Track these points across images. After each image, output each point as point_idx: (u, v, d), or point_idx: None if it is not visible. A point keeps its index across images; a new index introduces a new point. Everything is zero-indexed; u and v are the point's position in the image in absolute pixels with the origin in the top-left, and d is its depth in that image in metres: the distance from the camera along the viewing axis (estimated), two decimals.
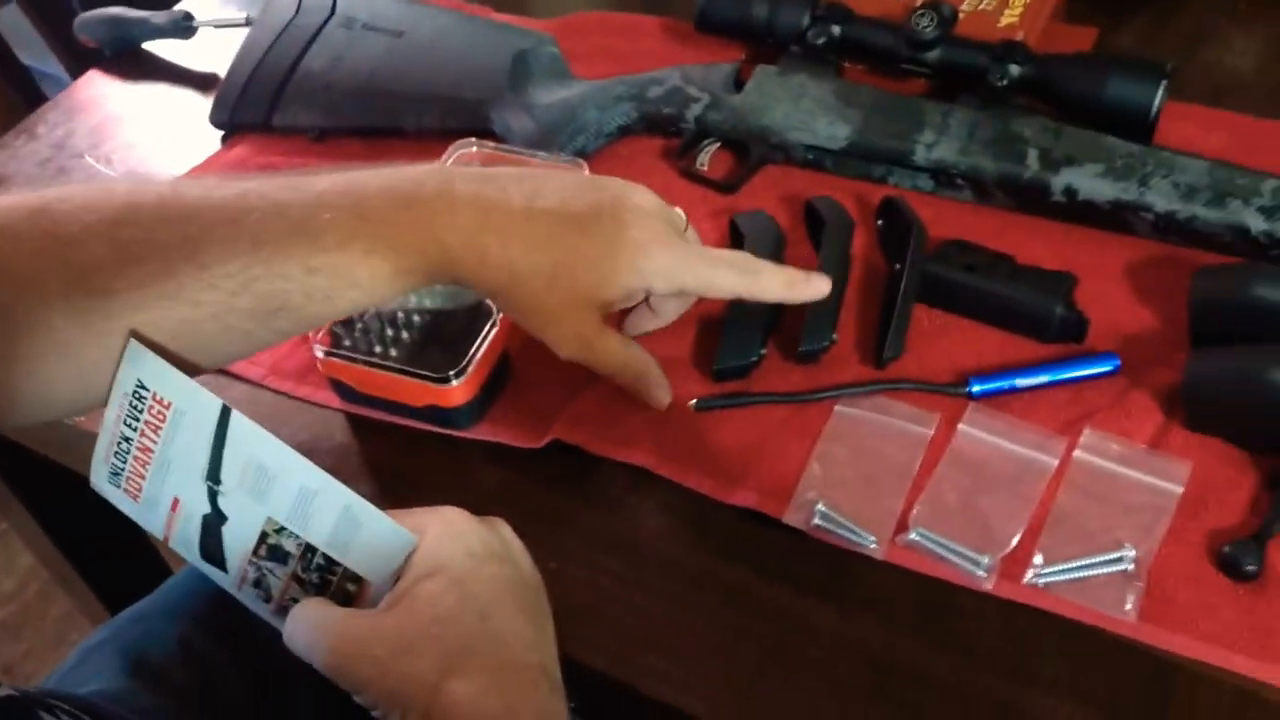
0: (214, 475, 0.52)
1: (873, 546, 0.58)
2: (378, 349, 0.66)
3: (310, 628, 0.49)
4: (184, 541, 0.54)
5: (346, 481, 0.68)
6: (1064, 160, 0.69)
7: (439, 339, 0.67)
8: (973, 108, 0.72)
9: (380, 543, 0.51)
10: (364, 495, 0.67)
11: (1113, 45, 0.83)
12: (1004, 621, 0.56)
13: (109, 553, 1.15)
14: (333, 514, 0.51)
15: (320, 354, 0.66)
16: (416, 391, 0.65)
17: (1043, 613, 0.56)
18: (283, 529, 0.52)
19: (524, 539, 0.54)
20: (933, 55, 0.75)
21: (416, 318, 0.68)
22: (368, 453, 0.68)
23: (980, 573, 0.57)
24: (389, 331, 0.67)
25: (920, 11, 0.74)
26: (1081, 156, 0.69)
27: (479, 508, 0.55)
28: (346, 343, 0.66)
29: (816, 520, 0.60)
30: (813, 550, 0.59)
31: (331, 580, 0.52)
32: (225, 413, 0.51)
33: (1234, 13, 0.87)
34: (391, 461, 0.68)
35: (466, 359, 0.64)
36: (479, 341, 0.65)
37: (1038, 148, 0.70)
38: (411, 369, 0.64)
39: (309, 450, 0.68)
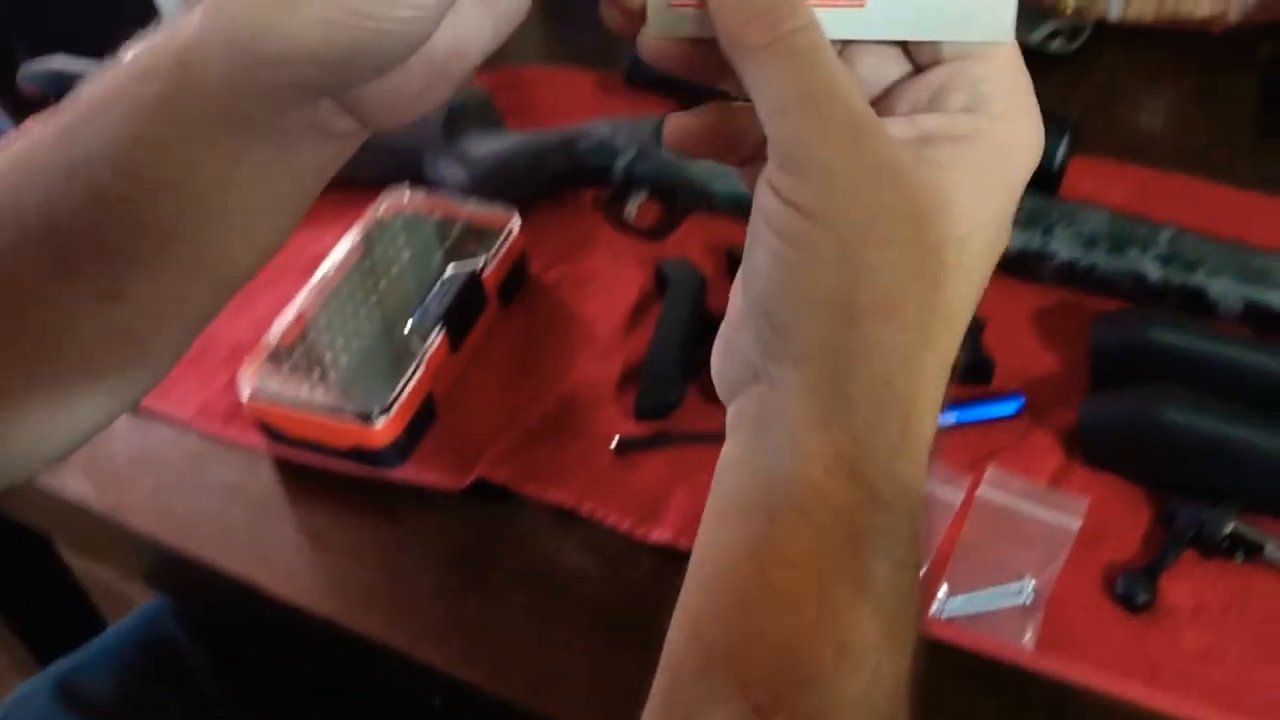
0: None
1: None
2: (304, 390, 0.67)
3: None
4: None
5: (270, 526, 0.69)
6: None
7: (364, 380, 0.68)
8: None
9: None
10: (287, 538, 0.68)
11: None
12: None
13: (45, 608, 1.13)
14: None
15: (246, 396, 0.67)
16: (341, 432, 0.66)
17: (946, 645, 0.57)
18: None
19: (447, 578, 0.54)
20: None
21: (344, 358, 0.69)
22: (293, 496, 0.69)
23: None
24: (316, 372, 0.68)
25: None
26: None
27: (403, 547, 0.55)
28: (274, 383, 0.67)
29: None
30: None
31: None
32: None
33: (1145, 74, 0.90)
34: (316, 504, 0.68)
35: (391, 398, 0.65)
36: (403, 382, 0.66)
37: None
38: (336, 409, 0.65)
39: (235, 491, 0.69)
